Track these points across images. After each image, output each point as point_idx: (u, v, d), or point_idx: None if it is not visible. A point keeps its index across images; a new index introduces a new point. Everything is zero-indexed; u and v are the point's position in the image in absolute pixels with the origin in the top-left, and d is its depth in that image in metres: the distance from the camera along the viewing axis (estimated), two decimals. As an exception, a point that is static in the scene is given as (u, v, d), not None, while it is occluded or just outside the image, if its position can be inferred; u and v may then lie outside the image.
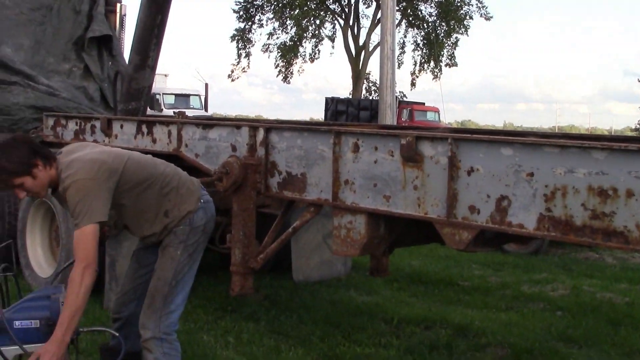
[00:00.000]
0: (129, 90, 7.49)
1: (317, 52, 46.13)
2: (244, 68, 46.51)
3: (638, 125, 47.53)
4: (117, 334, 3.55)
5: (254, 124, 5.15)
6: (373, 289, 7.15)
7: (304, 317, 5.97)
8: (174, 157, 6.30)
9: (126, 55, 9.31)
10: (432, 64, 44.84)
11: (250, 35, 45.84)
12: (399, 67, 43.73)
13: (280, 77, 46.89)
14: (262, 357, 5.01)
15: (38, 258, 6.85)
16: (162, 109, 28.48)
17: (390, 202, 4.17)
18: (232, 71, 46.85)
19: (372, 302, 6.63)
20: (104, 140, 6.61)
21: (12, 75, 8.08)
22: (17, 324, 3.39)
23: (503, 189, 3.55)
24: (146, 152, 6.34)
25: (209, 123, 5.59)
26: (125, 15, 9.73)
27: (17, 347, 3.36)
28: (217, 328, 5.67)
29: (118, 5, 9.44)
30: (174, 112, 7.66)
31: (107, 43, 9.11)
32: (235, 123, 5.33)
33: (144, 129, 6.19)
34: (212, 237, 6.84)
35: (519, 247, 9.48)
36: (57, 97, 8.22)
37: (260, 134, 5.02)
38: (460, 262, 8.84)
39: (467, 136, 3.77)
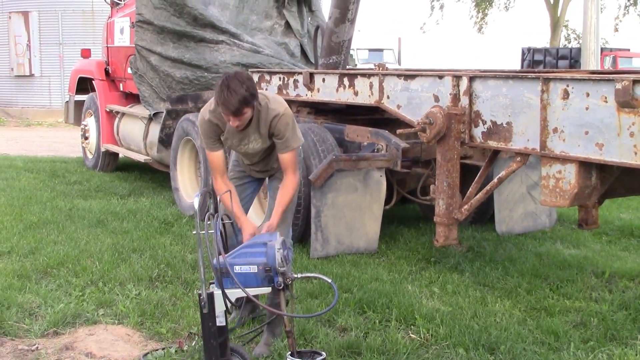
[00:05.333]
0: (329, 44, 7.61)
1: (511, 0, 44.50)
2: (437, 21, 45.87)
3: None
4: (330, 280, 3.65)
5: (457, 73, 5.07)
6: (581, 241, 6.89)
7: (509, 269, 5.86)
8: (375, 109, 6.37)
9: (325, 10, 9.46)
10: (639, 6, 41.91)
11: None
12: (601, 11, 41.32)
13: (474, 28, 45.85)
14: (468, 308, 4.98)
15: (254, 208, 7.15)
16: (356, 64, 28.73)
17: (603, 150, 4.03)
18: (425, 23, 46.36)
19: (580, 255, 6.39)
20: (306, 94, 6.78)
21: (219, 35, 8.45)
22: (237, 268, 3.59)
23: None
24: (348, 105, 6.49)
25: (410, 74, 5.56)
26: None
27: (239, 290, 3.56)
28: (421, 278, 5.70)
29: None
30: (374, 65, 7.70)
31: (307, -1, 9.29)
32: (438, 73, 5.28)
33: (346, 81, 6.27)
34: (413, 189, 6.88)
35: None
36: (261, 54, 8.51)
37: (464, 83, 4.94)
38: (675, 216, 8.29)
39: (691, 78, 3.53)
